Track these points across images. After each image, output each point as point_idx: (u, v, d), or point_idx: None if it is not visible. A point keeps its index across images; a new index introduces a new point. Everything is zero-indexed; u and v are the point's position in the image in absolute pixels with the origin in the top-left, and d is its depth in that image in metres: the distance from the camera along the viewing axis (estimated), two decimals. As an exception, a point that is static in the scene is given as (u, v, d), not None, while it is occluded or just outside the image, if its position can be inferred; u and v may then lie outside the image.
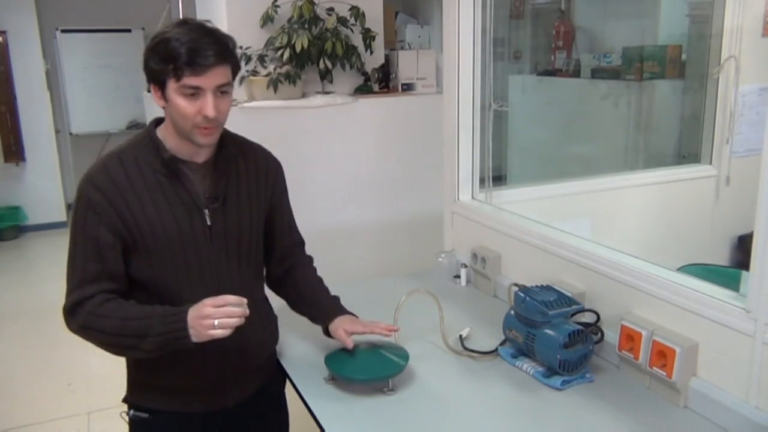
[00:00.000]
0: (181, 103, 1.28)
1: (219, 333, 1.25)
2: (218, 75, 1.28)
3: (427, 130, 3.14)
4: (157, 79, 1.30)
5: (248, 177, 1.47)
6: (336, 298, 1.61)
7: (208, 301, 1.26)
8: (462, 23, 2.11)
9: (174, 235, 1.34)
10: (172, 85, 1.28)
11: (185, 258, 1.36)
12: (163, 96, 1.31)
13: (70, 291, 1.34)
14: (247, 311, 1.28)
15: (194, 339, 1.26)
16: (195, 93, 1.28)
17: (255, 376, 1.54)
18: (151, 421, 1.47)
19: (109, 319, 1.30)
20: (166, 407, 1.46)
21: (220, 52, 1.28)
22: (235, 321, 1.26)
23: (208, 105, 1.28)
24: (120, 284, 1.35)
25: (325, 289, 1.63)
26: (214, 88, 1.29)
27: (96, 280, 1.32)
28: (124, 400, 1.52)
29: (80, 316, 1.31)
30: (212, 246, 1.39)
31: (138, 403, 1.48)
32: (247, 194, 1.46)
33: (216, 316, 1.24)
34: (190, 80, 1.26)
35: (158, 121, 1.41)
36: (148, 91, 1.42)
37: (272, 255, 1.59)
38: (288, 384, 1.56)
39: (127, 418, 1.50)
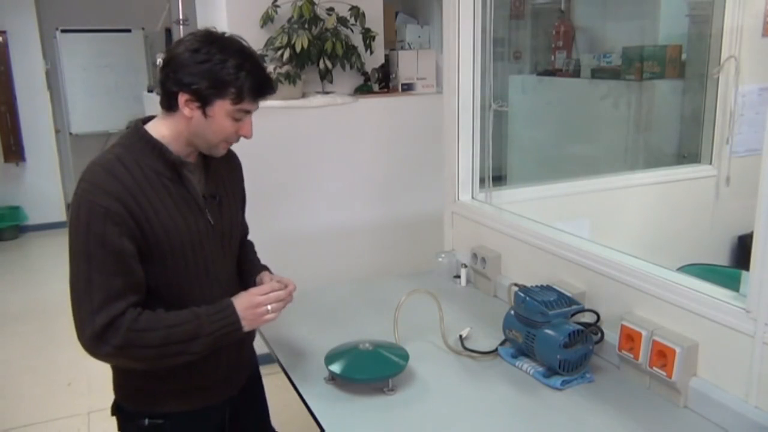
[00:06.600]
0: (227, 123, 1.31)
1: (272, 317, 1.38)
2: None
3: (427, 130, 3.15)
4: (197, 93, 1.27)
5: (229, 174, 1.51)
6: (263, 267, 1.61)
7: (255, 290, 1.38)
8: (462, 23, 2.11)
9: (186, 237, 1.34)
10: (224, 106, 1.29)
11: (195, 259, 1.37)
12: (203, 111, 1.29)
13: (92, 312, 1.22)
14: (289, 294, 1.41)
15: (246, 328, 1.35)
16: (244, 116, 1.34)
17: (251, 359, 1.63)
18: (167, 426, 1.43)
19: (152, 332, 1.26)
20: (183, 408, 1.43)
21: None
22: (283, 304, 1.39)
23: (249, 126, 1.36)
24: (142, 294, 1.30)
25: (254, 261, 1.64)
26: None
27: (122, 296, 1.25)
28: (119, 410, 1.45)
29: (117, 337, 1.22)
30: (214, 244, 1.41)
31: (149, 411, 1.42)
32: (232, 191, 1.51)
33: (268, 302, 1.36)
34: (247, 105, 1.31)
35: (144, 121, 1.37)
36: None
37: None
38: (287, 384, 1.56)
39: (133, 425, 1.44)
